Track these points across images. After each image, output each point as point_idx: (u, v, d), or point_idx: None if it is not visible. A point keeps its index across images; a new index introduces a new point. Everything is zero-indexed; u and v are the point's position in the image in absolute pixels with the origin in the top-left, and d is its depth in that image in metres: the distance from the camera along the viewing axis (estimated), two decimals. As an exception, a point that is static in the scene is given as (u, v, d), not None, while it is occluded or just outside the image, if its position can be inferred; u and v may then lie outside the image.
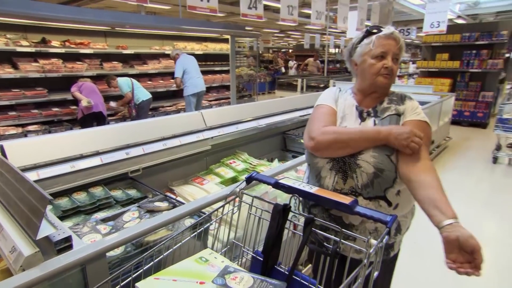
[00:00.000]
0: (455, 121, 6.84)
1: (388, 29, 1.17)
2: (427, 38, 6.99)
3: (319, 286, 0.99)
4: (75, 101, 4.79)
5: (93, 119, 4.70)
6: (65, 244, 1.01)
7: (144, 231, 1.14)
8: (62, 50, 4.83)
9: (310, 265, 1.69)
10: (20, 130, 4.50)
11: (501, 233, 3.11)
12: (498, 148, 4.95)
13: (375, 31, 1.19)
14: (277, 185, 1.27)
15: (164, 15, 10.28)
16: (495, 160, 4.85)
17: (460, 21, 10.59)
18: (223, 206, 1.25)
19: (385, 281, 1.40)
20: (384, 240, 0.93)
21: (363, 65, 1.21)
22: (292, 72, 13.51)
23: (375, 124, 1.22)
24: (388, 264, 1.33)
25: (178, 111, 6.13)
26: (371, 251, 0.88)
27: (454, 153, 5.34)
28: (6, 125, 4.50)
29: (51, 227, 1.00)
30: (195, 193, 2.18)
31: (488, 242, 2.92)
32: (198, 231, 1.16)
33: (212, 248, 1.15)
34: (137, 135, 2.00)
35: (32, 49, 4.64)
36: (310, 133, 1.24)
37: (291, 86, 10.34)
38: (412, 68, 10.90)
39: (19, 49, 4.55)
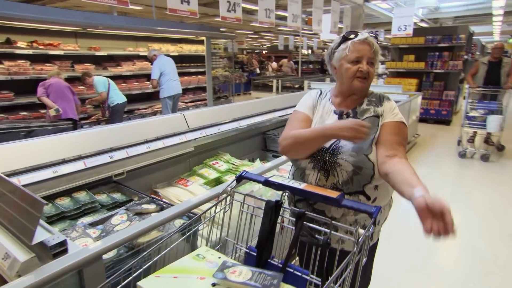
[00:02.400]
0: (422, 119, 7.22)
1: (362, 35, 1.25)
2: (394, 40, 7.33)
3: (311, 276, 1.05)
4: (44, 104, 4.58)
5: (64, 124, 4.50)
6: (61, 248, 1.00)
7: (139, 232, 1.15)
8: (30, 52, 4.62)
9: (296, 257, 1.77)
10: (-15, 136, 4.25)
11: (467, 221, 3.34)
12: (461, 143, 5.30)
13: (351, 36, 1.27)
14: (268, 183, 1.33)
15: (135, 15, 10.04)
16: (463, 155, 5.15)
17: (423, 24, 11.19)
18: (215, 205, 1.29)
19: (367, 269, 1.49)
20: (371, 229, 1.01)
21: (341, 69, 1.29)
22: (273, 73, 13.61)
23: None
24: (369, 252, 1.42)
25: (154, 113, 6.03)
26: (359, 239, 0.96)
27: (422, 149, 5.65)
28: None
29: (46, 232, 0.99)
30: (180, 194, 2.18)
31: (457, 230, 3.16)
32: (193, 229, 1.18)
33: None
34: (121, 138, 1.98)
35: (-4, 51, 4.41)
36: (280, 138, 1.34)
37: (266, 87, 10.45)
38: (381, 68, 11.36)
39: (-20, 50, 4.30)
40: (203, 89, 7.26)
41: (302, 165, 1.33)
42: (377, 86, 5.99)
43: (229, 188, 1.29)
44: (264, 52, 17.77)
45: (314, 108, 1.40)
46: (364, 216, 1.24)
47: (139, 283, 0.91)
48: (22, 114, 4.59)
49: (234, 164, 2.69)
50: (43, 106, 4.67)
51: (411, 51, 7.50)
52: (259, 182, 1.34)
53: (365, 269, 1.50)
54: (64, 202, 1.67)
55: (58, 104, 4.26)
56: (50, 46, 4.81)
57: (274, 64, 13.53)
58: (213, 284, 0.93)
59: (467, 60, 7.75)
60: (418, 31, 7.33)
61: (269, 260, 1.19)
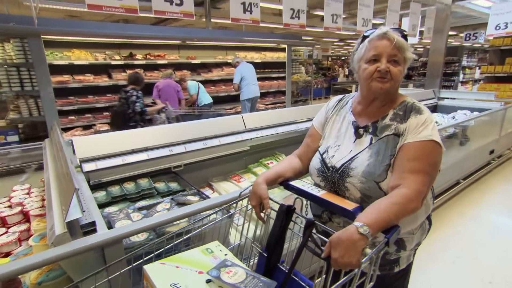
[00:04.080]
0: (525, 130, 5.71)
1: (380, 30, 1.00)
2: (494, 41, 5.95)
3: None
4: (154, 104, 5.20)
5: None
6: (91, 228, 1.07)
7: (158, 223, 1.15)
8: (144, 62, 5.30)
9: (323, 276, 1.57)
10: (110, 127, 5.05)
11: None
12: None
13: (368, 33, 1.02)
14: (287, 186, 1.20)
15: (233, 28, 10.59)
16: None
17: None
18: (236, 202, 1.22)
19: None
20: (382, 251, 0.80)
21: (359, 71, 1.06)
22: (344, 78, 12.85)
23: (371, 142, 1.04)
24: (398, 278, 1.15)
25: (237, 113, 6.27)
26: (363, 260, 0.77)
27: (520, 165, 4.47)
28: (101, 123, 5.10)
29: (79, 212, 1.06)
30: (230, 189, 2.17)
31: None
32: (209, 223, 1.14)
33: (223, 243, 1.12)
34: (181, 135, 2.07)
35: (122, 62, 5.17)
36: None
37: (346, 92, 9.83)
38: (478, 73, 9.48)
39: (113, 62, 5.10)
40: (283, 93, 7.23)
41: (316, 182, 1.16)
42: (463, 93, 4.98)
43: (250, 188, 1.21)
44: (348, 58, 16.79)
45: (327, 121, 1.20)
46: (382, 243, 0.99)
47: (145, 266, 0.90)
48: (136, 111, 5.29)
49: (287, 165, 2.55)
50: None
51: (517, 53, 5.98)
52: (280, 184, 1.23)
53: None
54: (129, 186, 1.82)
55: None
56: (158, 57, 5.43)
57: (347, 71, 12.68)
58: (207, 281, 0.87)
59: None
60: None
61: (278, 264, 1.08)
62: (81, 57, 4.79)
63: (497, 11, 4.13)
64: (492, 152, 4.02)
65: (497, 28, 4.14)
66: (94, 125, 4.97)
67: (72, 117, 4.71)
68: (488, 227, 2.92)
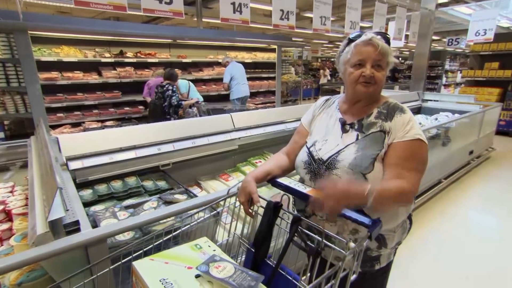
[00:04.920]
0: (502, 132, 5.90)
1: (365, 36, 1.01)
2: (474, 46, 6.11)
3: (302, 282, 0.90)
4: (143, 102, 5.12)
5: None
6: (74, 227, 1.03)
7: (143, 222, 1.12)
8: (134, 60, 5.19)
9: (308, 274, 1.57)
10: (100, 125, 4.94)
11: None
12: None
13: (354, 38, 1.03)
14: (274, 184, 1.19)
15: (224, 28, 10.52)
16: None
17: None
18: (224, 199, 1.21)
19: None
20: (365, 243, 0.81)
21: (345, 74, 1.08)
22: (325, 80, 12.90)
23: (357, 138, 1.06)
24: (378, 276, 1.16)
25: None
26: (347, 253, 0.77)
27: (497, 164, 4.60)
28: (90, 120, 4.98)
29: (63, 211, 1.03)
30: (218, 187, 2.15)
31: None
32: (197, 221, 1.12)
33: (212, 239, 1.11)
34: (169, 134, 2.03)
35: (112, 60, 5.05)
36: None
37: (335, 92, 9.90)
38: (460, 77, 9.71)
39: (103, 60, 4.98)
40: (273, 93, 7.22)
41: (301, 175, 1.16)
42: (445, 95, 5.09)
43: (238, 186, 1.20)
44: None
45: (314, 118, 1.22)
46: (365, 236, 1.00)
47: (134, 262, 0.88)
48: (126, 109, 5.19)
49: (275, 164, 2.54)
50: (142, 103, 5.23)
51: (495, 58, 6.15)
52: (268, 182, 1.23)
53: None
54: (117, 184, 1.78)
55: None
56: (149, 55, 5.33)
57: (327, 72, 12.73)
58: (197, 276, 0.86)
59: None
60: (506, 36, 5.96)
61: (265, 259, 1.07)
62: (70, 54, 4.66)
63: (477, 18, 4.23)
64: (471, 152, 4.12)
65: (477, 34, 4.24)
66: (83, 122, 4.85)
67: (61, 115, 4.58)
68: (467, 224, 3.00)
